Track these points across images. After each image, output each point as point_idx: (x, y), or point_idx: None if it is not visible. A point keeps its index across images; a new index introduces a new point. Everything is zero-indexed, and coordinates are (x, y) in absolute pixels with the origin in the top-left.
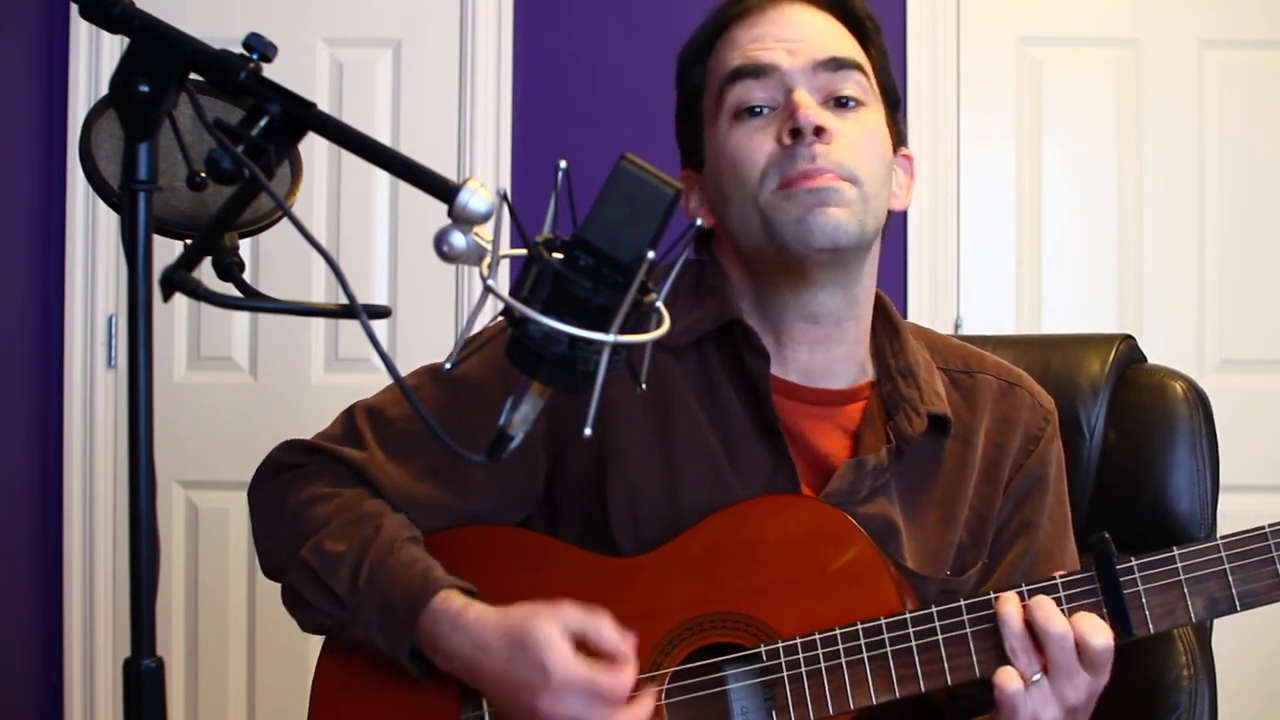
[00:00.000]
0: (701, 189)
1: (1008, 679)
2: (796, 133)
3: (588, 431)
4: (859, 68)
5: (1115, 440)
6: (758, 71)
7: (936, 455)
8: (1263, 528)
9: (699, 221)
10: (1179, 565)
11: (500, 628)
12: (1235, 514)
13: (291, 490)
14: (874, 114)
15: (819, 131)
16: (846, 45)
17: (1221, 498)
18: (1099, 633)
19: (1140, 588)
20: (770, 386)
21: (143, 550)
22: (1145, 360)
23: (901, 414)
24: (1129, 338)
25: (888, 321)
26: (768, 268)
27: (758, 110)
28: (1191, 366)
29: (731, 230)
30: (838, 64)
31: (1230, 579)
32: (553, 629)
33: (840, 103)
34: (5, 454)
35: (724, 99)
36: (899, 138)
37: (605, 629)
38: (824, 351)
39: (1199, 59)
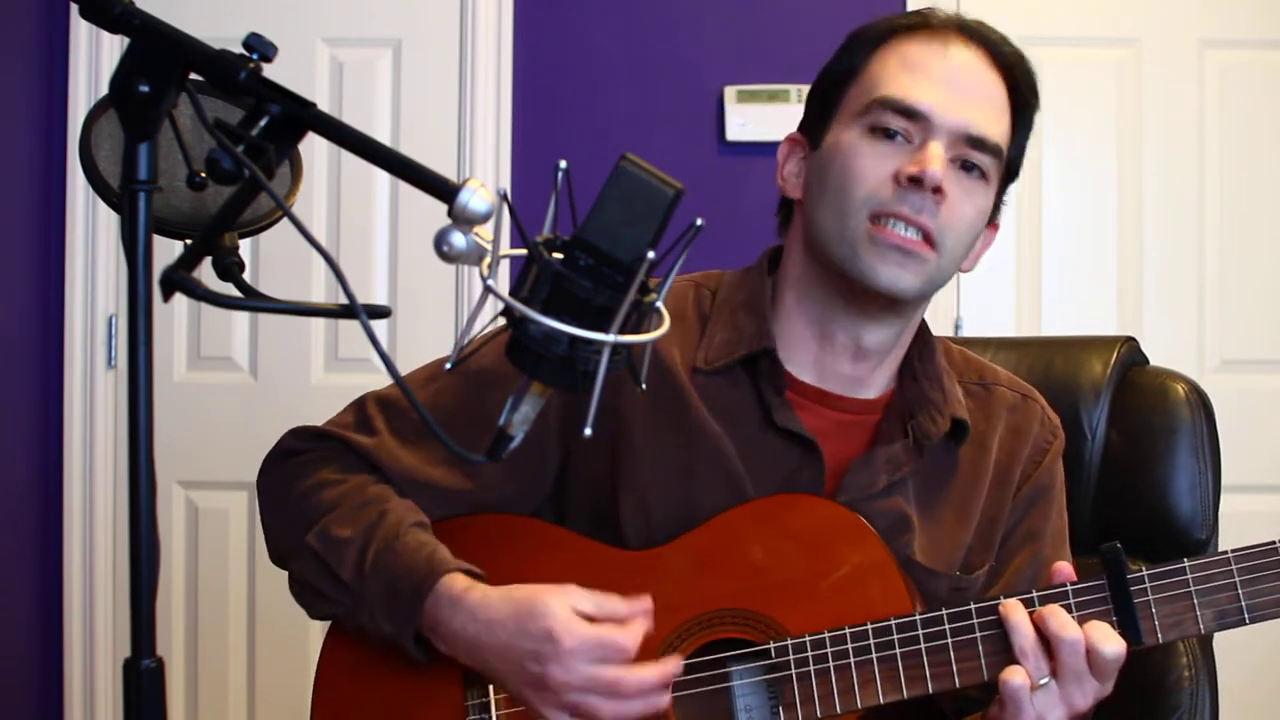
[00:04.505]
0: (806, 161)
1: (1013, 674)
2: (916, 180)
3: (588, 431)
4: (998, 153)
5: (1117, 442)
6: (908, 113)
7: (953, 459)
8: (1274, 542)
9: (698, 226)
10: (1189, 576)
11: (506, 602)
12: (1236, 514)
13: (299, 476)
14: (989, 192)
15: (936, 190)
16: (999, 124)
17: (1222, 498)
18: (1110, 641)
19: (1150, 598)
20: (798, 423)
21: (143, 550)
22: (1147, 362)
23: (925, 415)
24: (1130, 339)
25: (919, 332)
26: (831, 278)
27: (892, 134)
28: (1191, 367)
29: (813, 224)
30: (981, 144)
31: (1240, 591)
32: (560, 600)
33: (966, 167)
34: (5, 454)
35: (867, 112)
36: (997, 210)
37: (613, 602)
38: (866, 369)
39: (1199, 59)
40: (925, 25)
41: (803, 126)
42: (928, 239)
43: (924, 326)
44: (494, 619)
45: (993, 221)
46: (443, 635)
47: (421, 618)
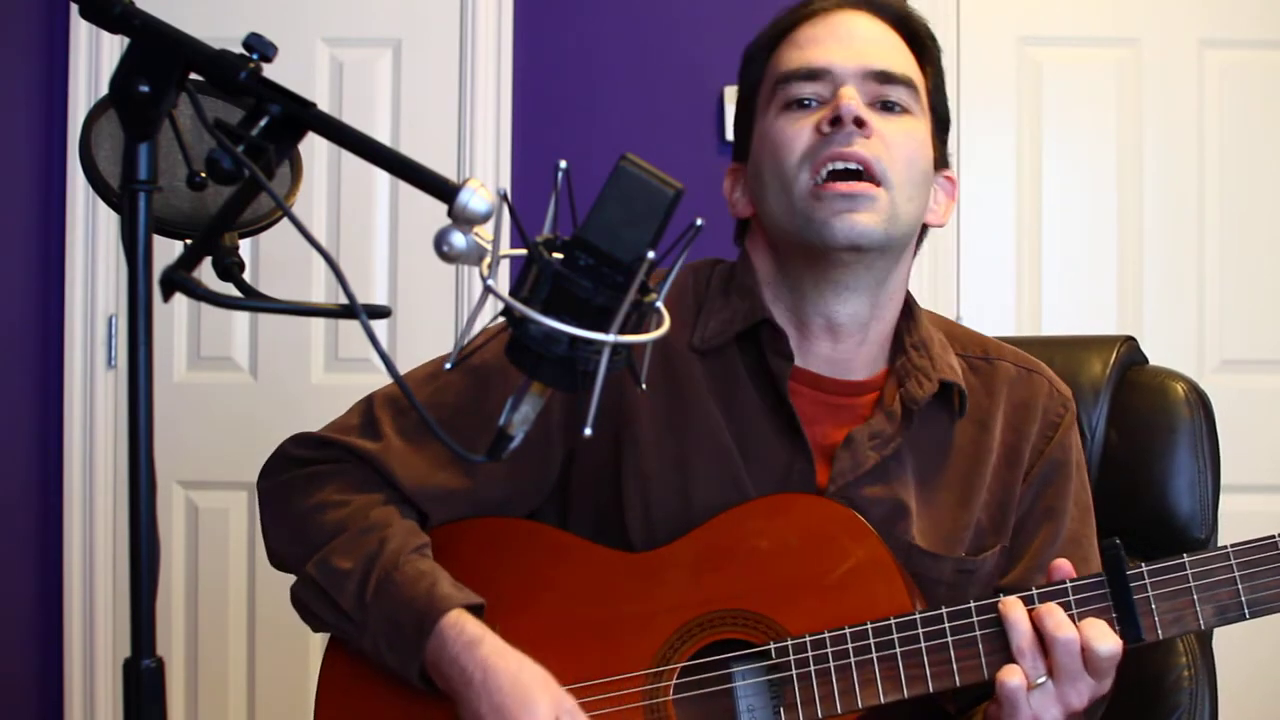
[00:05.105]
0: (745, 180)
1: (1009, 674)
2: (837, 120)
3: (588, 432)
4: (909, 84)
5: (1116, 441)
6: (811, 75)
7: (949, 436)
8: (1273, 536)
9: (698, 226)
10: (1189, 572)
11: (500, 684)
12: (1236, 514)
13: (301, 492)
14: (918, 124)
15: (859, 123)
16: (901, 60)
17: (1222, 498)
18: (1105, 639)
19: (1150, 594)
20: (788, 389)
21: (143, 550)
22: (1146, 362)
23: (912, 380)
24: (1130, 339)
25: (906, 308)
26: (795, 259)
27: (806, 103)
28: (1191, 367)
29: (765, 216)
30: (888, 77)
31: (1240, 586)
32: (548, 710)
33: (886, 106)
34: (5, 454)
35: (776, 94)
36: (942, 159)
37: None
38: (848, 348)
39: (1199, 59)
40: (809, 14)
41: (735, 156)
42: (870, 175)
43: (910, 301)
44: (486, 690)
45: (943, 169)
46: (440, 672)
47: (425, 655)
